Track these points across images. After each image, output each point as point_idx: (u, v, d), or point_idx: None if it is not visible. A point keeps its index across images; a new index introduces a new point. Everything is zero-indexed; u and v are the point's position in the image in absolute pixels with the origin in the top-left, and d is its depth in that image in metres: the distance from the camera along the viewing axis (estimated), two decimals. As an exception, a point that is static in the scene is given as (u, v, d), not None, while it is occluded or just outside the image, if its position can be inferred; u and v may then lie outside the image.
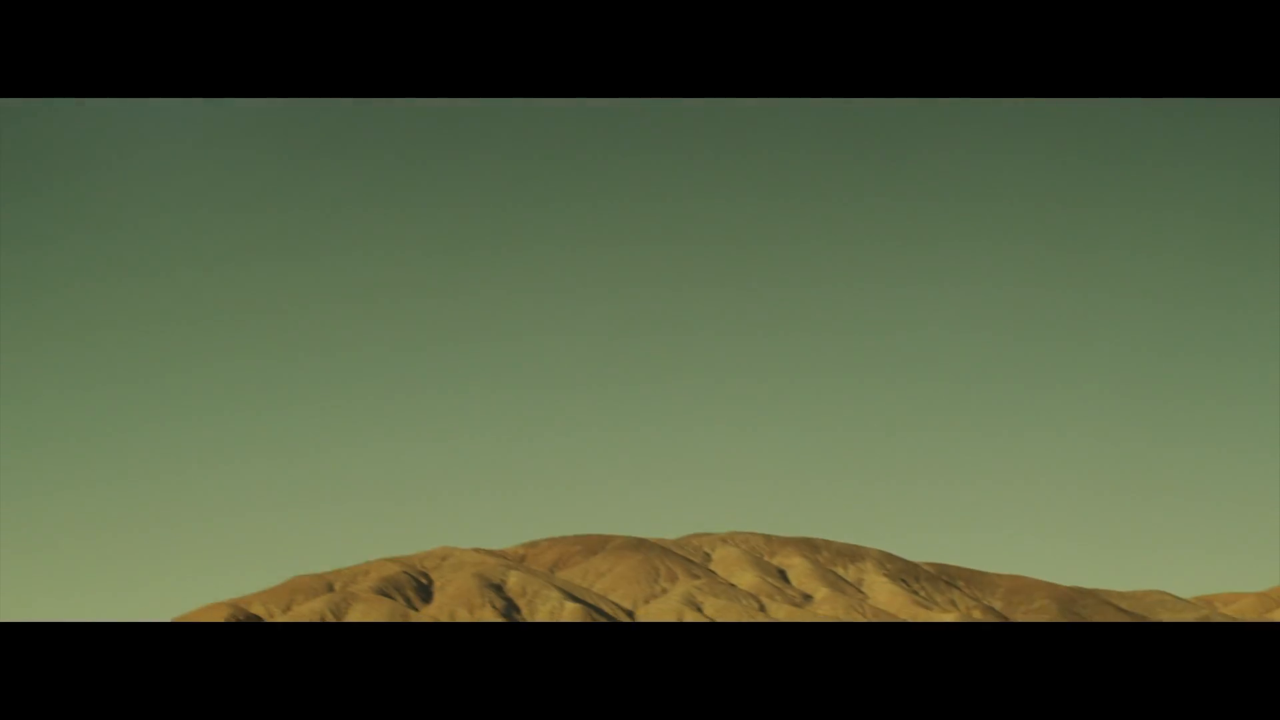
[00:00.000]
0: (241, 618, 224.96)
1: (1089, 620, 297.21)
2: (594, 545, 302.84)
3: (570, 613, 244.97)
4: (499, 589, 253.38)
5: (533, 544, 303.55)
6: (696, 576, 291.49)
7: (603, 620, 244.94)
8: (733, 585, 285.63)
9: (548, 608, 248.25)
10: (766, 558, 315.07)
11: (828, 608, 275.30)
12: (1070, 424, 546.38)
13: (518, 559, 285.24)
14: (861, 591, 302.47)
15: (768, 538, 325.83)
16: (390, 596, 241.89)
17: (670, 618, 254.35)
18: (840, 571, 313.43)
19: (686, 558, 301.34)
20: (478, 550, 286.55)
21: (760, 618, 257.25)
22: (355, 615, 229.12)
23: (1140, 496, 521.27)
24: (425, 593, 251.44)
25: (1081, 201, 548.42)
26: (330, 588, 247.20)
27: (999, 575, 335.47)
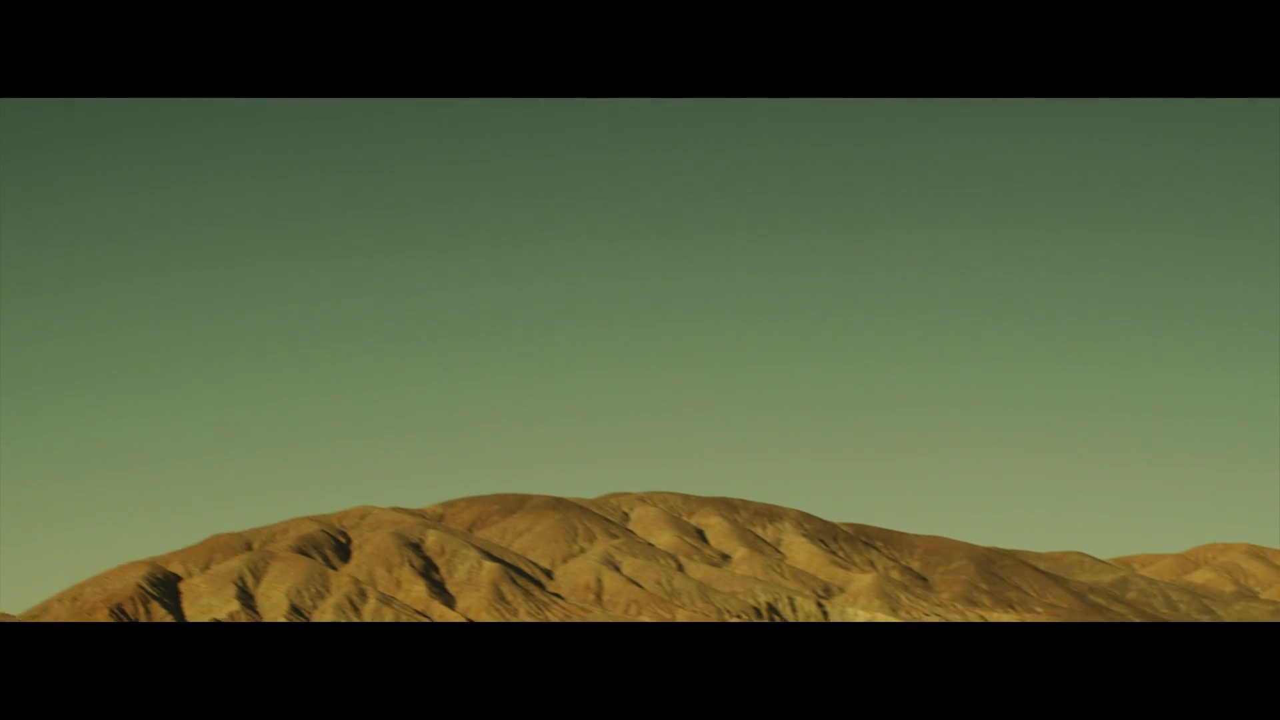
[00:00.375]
0: (159, 576, 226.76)
1: (1006, 580, 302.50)
2: (512, 504, 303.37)
3: (489, 572, 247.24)
4: (417, 548, 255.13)
5: (451, 503, 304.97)
6: (615, 536, 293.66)
7: (520, 579, 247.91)
8: (651, 545, 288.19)
9: (466, 567, 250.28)
10: (685, 517, 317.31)
11: (746, 567, 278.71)
12: (988, 388, 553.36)
13: (436, 518, 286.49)
14: (780, 551, 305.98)
15: (686, 497, 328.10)
16: (309, 555, 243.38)
17: (588, 577, 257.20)
18: (758, 531, 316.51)
19: (605, 517, 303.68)
20: (396, 509, 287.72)
21: (678, 578, 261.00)
22: (274, 574, 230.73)
23: (1058, 458, 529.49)
24: (344, 551, 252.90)
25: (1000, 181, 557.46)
26: (249, 546, 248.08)
27: (917, 536, 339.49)
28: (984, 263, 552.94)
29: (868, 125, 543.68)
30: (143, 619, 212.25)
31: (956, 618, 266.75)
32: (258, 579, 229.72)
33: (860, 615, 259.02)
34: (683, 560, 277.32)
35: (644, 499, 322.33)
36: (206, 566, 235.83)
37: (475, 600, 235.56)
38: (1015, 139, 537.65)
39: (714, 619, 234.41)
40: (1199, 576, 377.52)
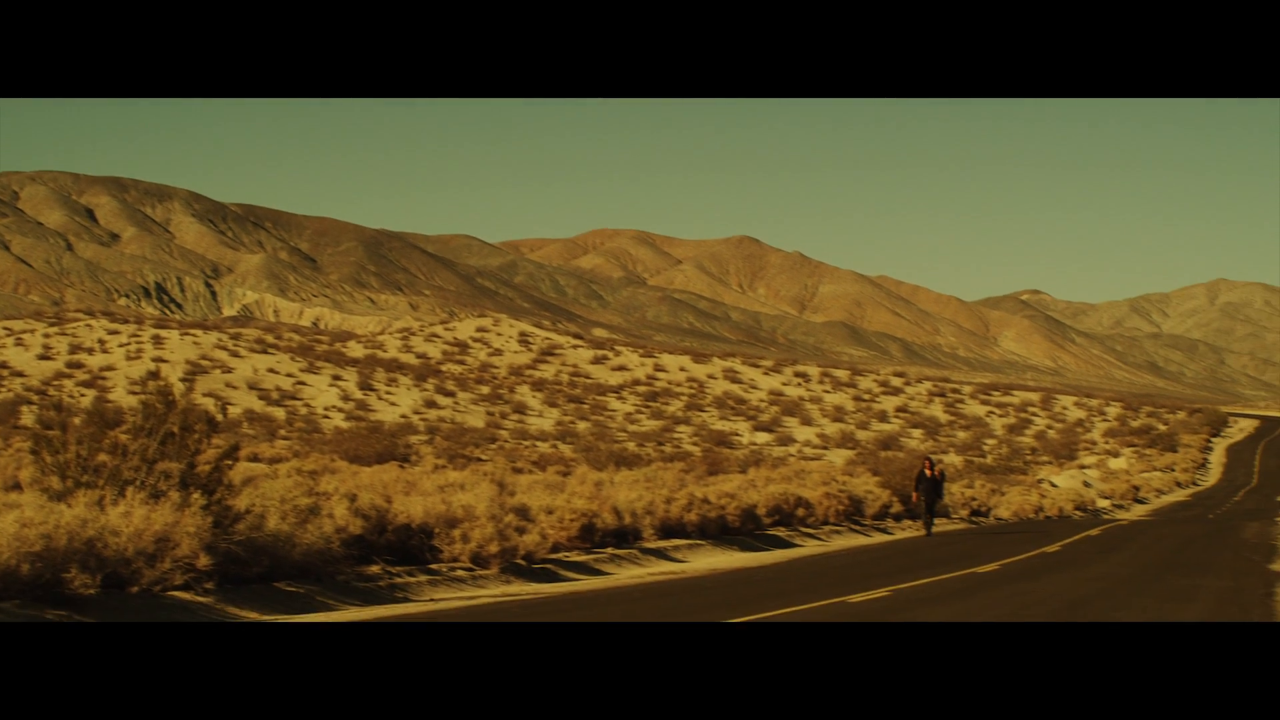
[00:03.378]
0: None
1: (395, 262, 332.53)
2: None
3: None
4: None
5: None
6: (4, 215, 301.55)
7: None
8: (40, 224, 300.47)
9: None
10: (74, 197, 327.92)
11: (135, 247, 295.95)
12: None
13: None
14: (169, 231, 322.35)
15: (76, 176, 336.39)
16: None
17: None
18: (148, 211, 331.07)
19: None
20: None
21: (67, 257, 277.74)
22: None
23: (446, 140, 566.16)
24: None
25: None
26: None
27: (306, 217, 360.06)
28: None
29: None
30: None
31: (345, 299, 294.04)
32: None
33: (249, 296, 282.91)
34: (72, 240, 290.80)
35: (34, 178, 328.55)
36: None
37: None
38: None
39: (103, 298, 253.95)
40: (587, 261, 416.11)
